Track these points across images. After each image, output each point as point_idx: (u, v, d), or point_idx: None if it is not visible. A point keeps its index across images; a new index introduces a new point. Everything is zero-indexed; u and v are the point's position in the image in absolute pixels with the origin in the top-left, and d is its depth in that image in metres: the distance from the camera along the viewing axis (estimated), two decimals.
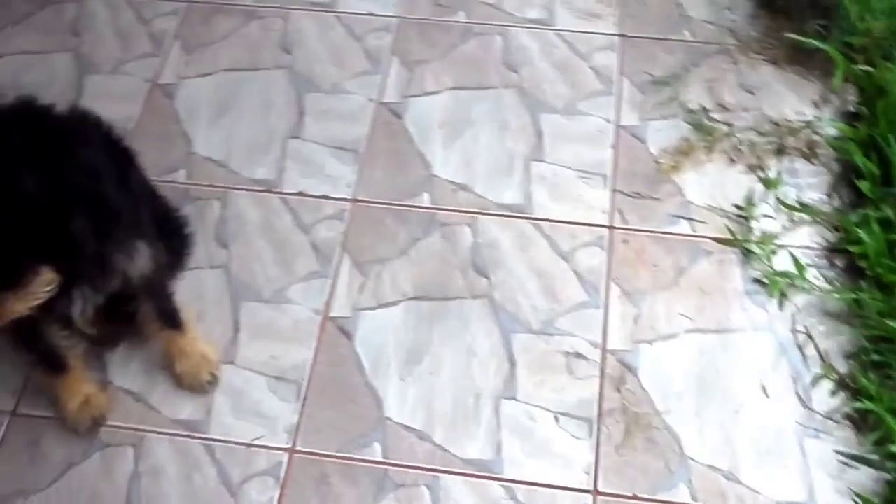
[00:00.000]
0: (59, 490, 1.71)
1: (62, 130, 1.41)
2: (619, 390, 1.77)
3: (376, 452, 1.72)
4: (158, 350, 1.86)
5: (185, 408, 1.80)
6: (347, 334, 1.87)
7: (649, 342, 1.83)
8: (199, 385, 1.80)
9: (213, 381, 1.81)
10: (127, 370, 1.86)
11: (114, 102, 2.25)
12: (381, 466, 1.70)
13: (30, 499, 1.71)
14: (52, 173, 1.31)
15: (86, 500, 1.70)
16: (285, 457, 1.72)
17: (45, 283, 1.38)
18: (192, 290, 1.91)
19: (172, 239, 1.82)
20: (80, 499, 1.70)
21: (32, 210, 1.28)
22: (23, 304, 1.37)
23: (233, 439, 1.75)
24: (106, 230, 1.46)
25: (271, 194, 2.09)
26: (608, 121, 2.17)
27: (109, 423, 1.78)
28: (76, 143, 1.41)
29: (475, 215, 2.03)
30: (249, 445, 1.74)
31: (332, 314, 1.90)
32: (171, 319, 1.77)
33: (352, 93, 2.26)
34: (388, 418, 1.76)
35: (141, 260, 1.57)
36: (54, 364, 1.73)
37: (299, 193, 2.09)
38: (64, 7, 2.49)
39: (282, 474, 1.70)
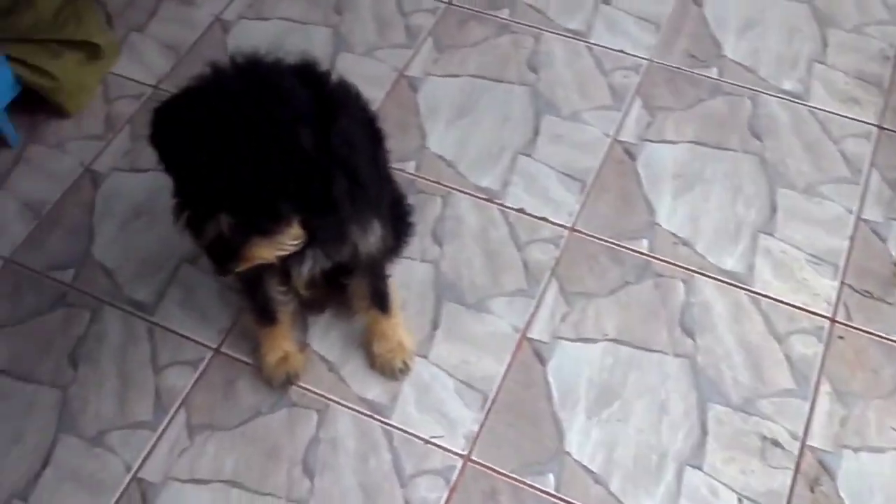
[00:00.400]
0: (245, 434, 1.78)
1: (334, 97, 1.45)
2: (812, 490, 1.68)
3: (549, 483, 1.70)
4: (359, 326, 1.91)
5: (373, 388, 1.83)
6: (542, 359, 1.86)
7: (854, 449, 1.73)
8: (391, 370, 1.83)
9: (405, 369, 1.83)
10: (326, 338, 1.91)
11: (361, 83, 2.31)
12: (552, 499, 1.68)
13: (216, 433, 1.78)
14: (324, 135, 1.35)
15: (266, 451, 1.76)
16: (459, 462, 1.73)
17: (293, 237, 1.43)
18: (401, 277, 1.94)
19: (398, 224, 1.87)
20: (261, 448, 1.76)
21: (303, 165, 1.32)
22: (270, 251, 1.42)
23: (412, 431, 1.77)
24: (354, 200, 1.51)
25: (493, 204, 2.11)
26: (849, 211, 2.07)
27: (301, 383, 1.84)
28: (345, 113, 1.46)
29: (692, 273, 1.98)
30: (427, 442, 1.76)
31: (531, 335, 1.89)
32: (380, 301, 1.81)
33: (589, 124, 2.26)
34: (568, 453, 1.73)
35: (373, 237, 1.61)
36: (266, 316, 1.80)
37: (520, 210, 2.10)
38: None
39: (453, 478, 1.71)
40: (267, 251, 1.41)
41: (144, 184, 2.18)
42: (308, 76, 1.45)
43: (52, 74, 2.25)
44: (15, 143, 2.27)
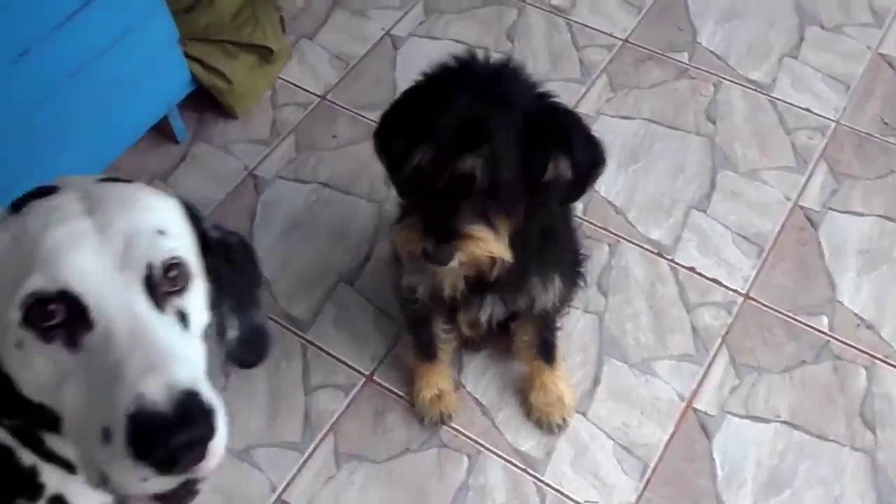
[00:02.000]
0: (392, 470, 1.73)
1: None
2: None
3: None
4: (516, 370, 1.84)
5: (528, 441, 1.76)
6: (707, 433, 1.76)
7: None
8: (548, 424, 1.76)
9: (563, 426, 1.76)
10: (480, 379, 1.85)
11: None
12: None
13: (364, 465, 1.74)
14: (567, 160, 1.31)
15: (413, 491, 1.70)
16: None
17: (503, 246, 1.34)
18: (563, 327, 1.86)
19: (572, 274, 1.79)
20: (409, 487, 1.71)
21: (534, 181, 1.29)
22: (484, 248, 1.31)
23: (566, 492, 1.69)
24: (545, 248, 1.45)
25: (663, 259, 2.01)
26: None
27: (453, 424, 1.78)
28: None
29: (875, 360, 1.84)
30: None
31: (697, 405, 1.79)
32: (546, 352, 1.74)
33: (769, 184, 2.14)
34: None
35: (552, 293, 1.55)
36: (426, 351, 1.75)
37: (691, 269, 1.99)
38: (506, 10, 2.55)
39: None
40: (485, 242, 1.30)
41: (306, 195, 2.16)
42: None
43: (226, 76, 2.26)
44: (182, 139, 2.28)
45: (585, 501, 1.68)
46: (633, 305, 1.94)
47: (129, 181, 0.88)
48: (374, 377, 1.86)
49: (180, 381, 0.72)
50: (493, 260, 1.35)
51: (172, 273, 0.81)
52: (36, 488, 0.92)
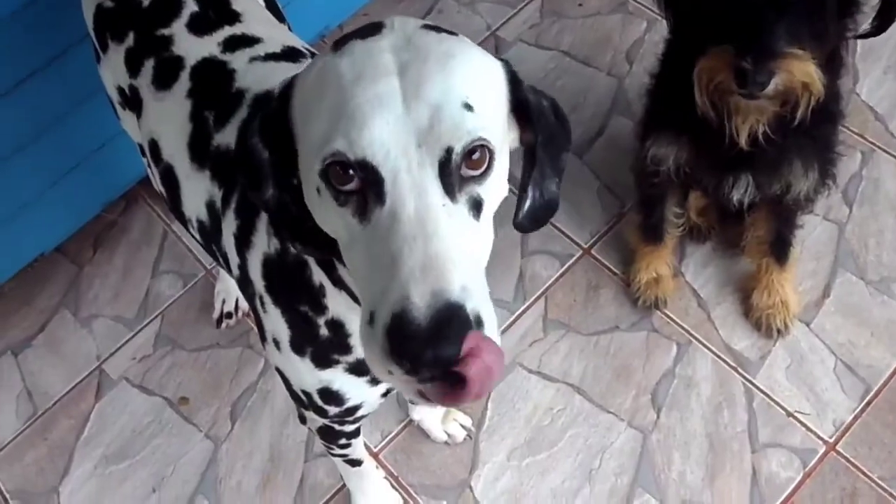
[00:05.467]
0: (598, 344, 1.74)
1: None
2: None
3: None
4: (739, 269, 1.77)
5: (742, 340, 1.70)
6: None
7: None
8: (767, 327, 1.69)
9: (784, 331, 1.68)
10: (701, 271, 1.79)
11: None
12: None
13: (570, 335, 1.75)
14: None
15: (616, 368, 1.70)
16: (822, 448, 1.58)
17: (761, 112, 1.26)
18: (803, 226, 1.75)
19: (830, 166, 1.65)
20: (612, 364, 1.71)
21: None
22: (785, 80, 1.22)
23: (776, 398, 1.63)
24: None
25: None
26: None
27: (666, 310, 1.74)
28: None
29: None
30: (790, 415, 1.61)
31: None
32: (780, 250, 1.66)
33: None
34: None
35: (811, 181, 1.45)
36: (652, 233, 1.71)
37: None
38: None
39: (810, 463, 1.56)
40: (804, 64, 1.21)
41: (545, 62, 2.13)
42: None
43: None
44: None
45: (796, 412, 1.61)
46: (880, 220, 1.80)
47: (453, 34, 0.81)
48: (592, 251, 1.84)
49: (449, 291, 0.69)
50: (804, 95, 1.24)
51: (475, 156, 0.75)
52: (320, 306, 0.97)
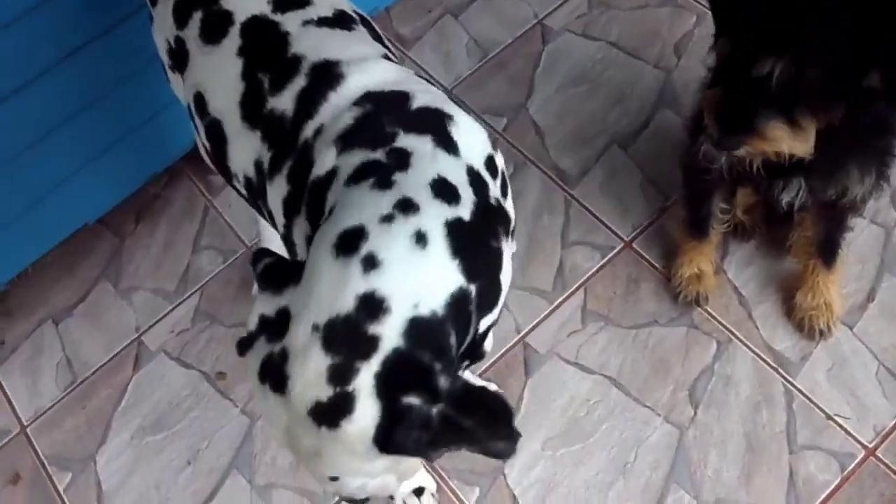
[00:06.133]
0: (637, 338, 1.73)
1: None
2: None
3: None
4: (782, 268, 1.76)
5: (784, 341, 1.68)
6: None
7: None
8: (809, 328, 1.67)
9: (826, 333, 1.66)
10: (744, 269, 1.78)
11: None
12: None
13: (609, 327, 1.74)
14: None
15: (654, 362, 1.69)
16: (861, 453, 1.56)
17: (807, 143, 1.21)
18: (853, 228, 1.73)
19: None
20: (651, 358, 1.70)
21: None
22: (780, 143, 1.20)
23: (816, 401, 1.62)
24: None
25: None
26: None
27: (707, 307, 1.73)
28: None
29: None
30: (830, 417, 1.60)
31: None
32: (828, 252, 1.63)
33: None
34: None
35: (867, 185, 1.42)
36: (697, 228, 1.69)
37: None
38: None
39: (849, 467, 1.55)
40: (781, 142, 1.20)
41: (592, 52, 2.11)
42: None
43: None
44: None
45: (836, 415, 1.60)
46: None
47: (335, 426, 0.90)
48: (633, 244, 1.83)
49: None
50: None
51: None
52: None
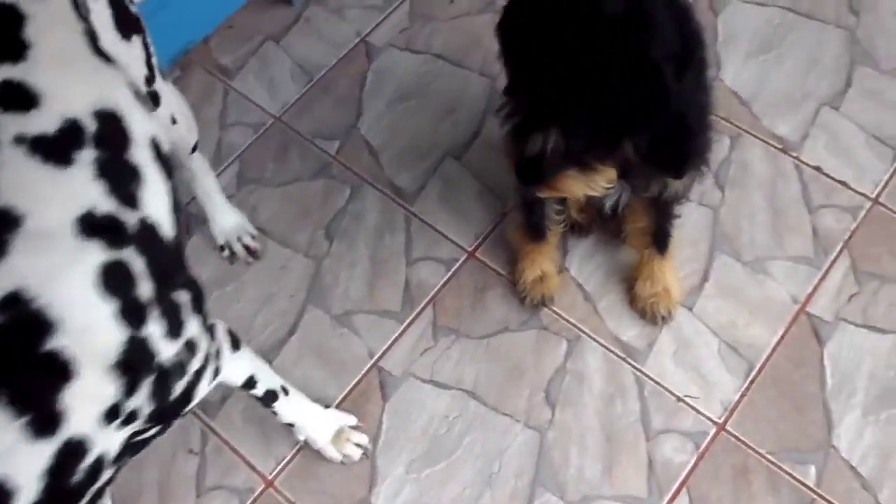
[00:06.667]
0: (489, 346, 1.72)
1: (694, 37, 1.30)
2: None
3: (809, 475, 1.55)
4: (622, 258, 1.79)
5: (629, 330, 1.72)
6: (820, 339, 1.68)
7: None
8: (652, 315, 1.71)
9: (668, 318, 1.71)
10: (586, 265, 1.81)
11: None
12: (810, 493, 1.54)
13: (461, 340, 1.73)
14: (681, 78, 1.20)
15: (508, 369, 1.70)
16: (713, 429, 1.61)
17: (608, 180, 1.31)
18: (680, 216, 1.78)
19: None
20: (505, 365, 1.70)
21: (660, 109, 1.17)
22: (580, 188, 1.30)
23: (665, 385, 1.66)
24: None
25: (787, 156, 1.90)
26: None
27: (554, 307, 1.75)
28: (701, 56, 1.31)
29: None
30: (680, 399, 1.64)
31: (811, 310, 1.72)
32: (661, 241, 1.68)
33: None
34: (835, 448, 1.58)
35: (687, 181, 1.47)
36: (535, 232, 1.70)
37: (817, 168, 1.88)
38: None
39: (703, 445, 1.59)
40: (577, 188, 1.30)
41: (417, 66, 2.11)
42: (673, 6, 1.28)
43: None
44: (297, 2, 2.23)
45: (685, 396, 1.64)
46: (751, 202, 1.85)
47: None
48: (477, 254, 1.83)
49: None
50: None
51: None
52: None
